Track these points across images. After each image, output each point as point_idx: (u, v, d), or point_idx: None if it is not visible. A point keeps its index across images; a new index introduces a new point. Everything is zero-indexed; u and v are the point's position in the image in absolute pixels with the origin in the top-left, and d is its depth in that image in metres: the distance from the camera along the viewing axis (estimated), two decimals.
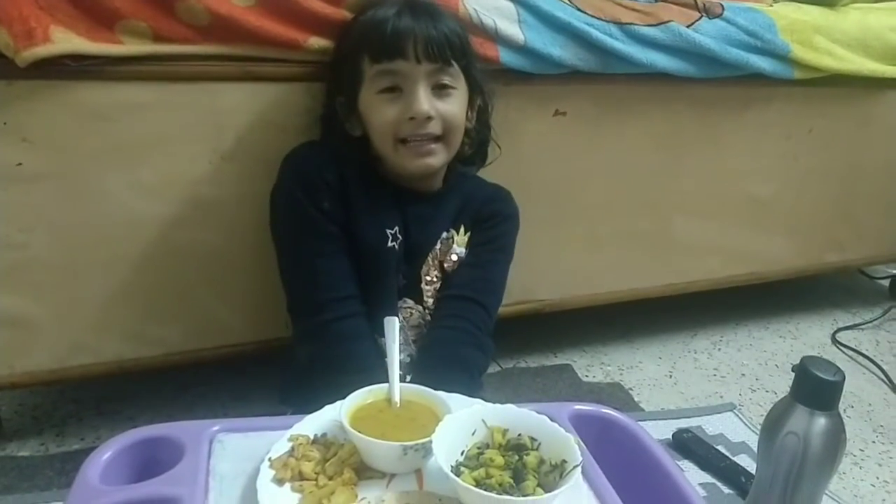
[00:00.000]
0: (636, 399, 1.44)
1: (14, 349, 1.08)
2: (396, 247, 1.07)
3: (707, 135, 1.51)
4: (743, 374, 1.58)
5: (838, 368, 0.80)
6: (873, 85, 1.62)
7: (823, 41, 1.50)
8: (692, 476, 1.19)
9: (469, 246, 1.13)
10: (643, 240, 1.54)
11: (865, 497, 1.21)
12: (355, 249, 1.05)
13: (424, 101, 1.01)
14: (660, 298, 1.61)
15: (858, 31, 1.56)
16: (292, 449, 0.72)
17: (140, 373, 1.17)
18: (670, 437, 1.28)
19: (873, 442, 1.37)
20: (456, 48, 1.02)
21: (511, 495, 0.66)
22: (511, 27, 1.19)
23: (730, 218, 1.63)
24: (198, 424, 0.77)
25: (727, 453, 1.25)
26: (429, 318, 1.11)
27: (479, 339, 1.08)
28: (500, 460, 0.70)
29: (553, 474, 0.70)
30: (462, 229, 1.13)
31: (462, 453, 0.71)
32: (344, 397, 0.76)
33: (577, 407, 0.87)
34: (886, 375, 1.61)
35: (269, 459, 0.71)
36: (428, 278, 1.11)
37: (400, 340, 0.85)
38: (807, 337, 1.79)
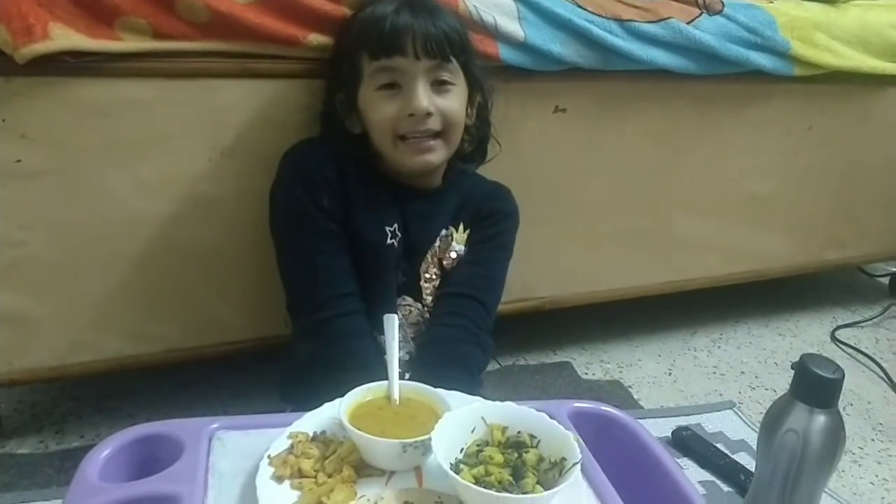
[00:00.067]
0: (635, 397, 1.44)
1: (14, 346, 1.08)
2: (396, 244, 1.07)
3: (707, 132, 1.51)
4: (742, 372, 1.58)
5: (838, 366, 0.80)
6: (873, 82, 1.61)
7: (823, 38, 1.50)
8: (691, 474, 1.19)
9: (468, 243, 1.13)
10: (643, 237, 1.54)
11: (864, 495, 1.21)
12: (355, 247, 1.05)
13: (423, 97, 1.01)
14: (659, 296, 1.61)
15: (858, 28, 1.56)
16: (292, 446, 0.72)
17: (140, 370, 1.17)
18: (670, 434, 1.28)
19: (872, 440, 1.37)
20: (455, 44, 1.02)
21: (510, 493, 0.66)
22: (511, 24, 1.19)
23: (730, 215, 1.63)
24: (197, 422, 0.77)
25: (726, 451, 1.25)
26: (428, 315, 1.11)
27: (479, 337, 1.08)
28: (499, 458, 0.70)
29: (552, 472, 0.70)
30: (461, 227, 1.13)
31: (461, 451, 0.71)
32: (343, 395, 0.76)
33: (577, 404, 0.87)
34: (886, 373, 1.61)
35: (269, 457, 0.70)
36: (427, 276, 1.11)
37: (399, 338, 0.85)
38: (806, 335, 1.79)
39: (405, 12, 1.00)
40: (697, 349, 1.67)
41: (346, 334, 1.02)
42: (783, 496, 0.82)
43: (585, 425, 0.82)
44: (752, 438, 1.27)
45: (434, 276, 1.12)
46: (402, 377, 0.81)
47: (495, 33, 1.18)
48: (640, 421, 0.87)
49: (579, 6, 1.26)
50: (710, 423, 1.35)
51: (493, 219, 1.15)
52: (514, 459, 0.70)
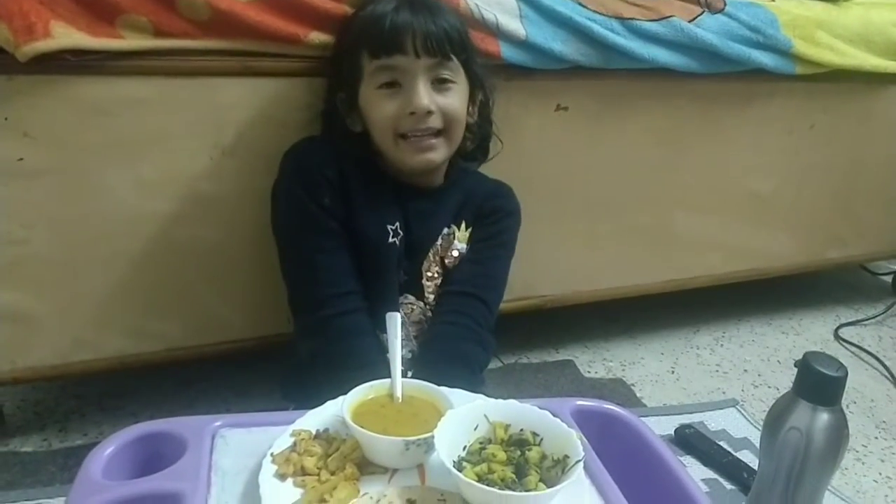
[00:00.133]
0: (638, 395, 1.44)
1: (16, 345, 1.08)
2: (397, 242, 1.07)
3: (709, 130, 1.51)
4: (745, 370, 1.58)
5: (841, 364, 0.80)
6: (875, 80, 1.61)
7: (825, 36, 1.50)
8: (694, 472, 1.19)
9: (470, 242, 1.13)
10: (645, 235, 1.54)
11: (868, 493, 1.21)
12: (356, 245, 1.05)
13: (424, 95, 1.00)
14: (662, 294, 1.61)
15: (860, 27, 1.55)
16: (294, 444, 0.72)
17: (141, 368, 1.17)
18: (672, 432, 1.28)
19: (876, 438, 1.37)
20: (455, 42, 1.02)
21: (513, 490, 0.66)
22: (512, 22, 1.19)
23: (731, 213, 1.63)
24: (200, 420, 0.77)
25: (729, 449, 1.25)
26: (430, 313, 1.11)
27: (480, 335, 1.07)
28: (502, 455, 0.70)
29: (555, 469, 0.70)
30: (463, 225, 1.13)
31: (464, 448, 0.71)
32: (346, 392, 0.76)
33: (580, 402, 0.87)
34: (889, 371, 1.61)
35: (272, 455, 0.71)
36: (429, 274, 1.11)
37: (402, 336, 0.85)
38: (809, 333, 1.79)
39: (405, 11, 1.00)
40: (700, 347, 1.67)
41: (348, 332, 1.02)
42: (786, 494, 0.82)
43: (588, 423, 0.82)
44: (756, 436, 1.27)
45: (436, 275, 1.11)
46: (404, 375, 0.81)
47: (497, 31, 1.18)
48: (642, 419, 0.87)
49: (581, 4, 1.25)
50: (713, 421, 1.35)
51: (495, 217, 1.15)
52: (517, 457, 0.70)
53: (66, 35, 0.94)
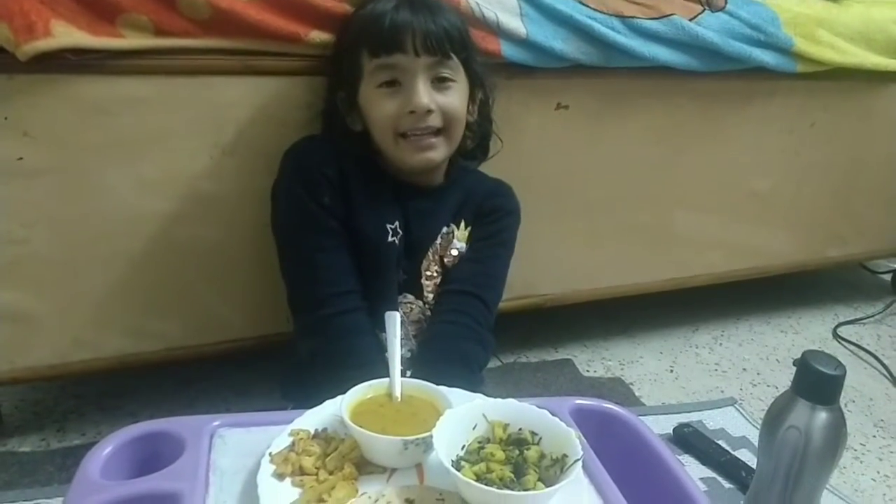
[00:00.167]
0: (637, 394, 1.44)
1: (15, 344, 1.08)
2: (397, 242, 1.07)
3: (709, 129, 1.51)
4: (744, 369, 1.58)
5: (839, 362, 0.80)
6: (876, 78, 1.61)
7: (826, 34, 1.50)
8: (693, 470, 1.19)
9: (470, 241, 1.13)
10: (644, 234, 1.54)
11: (866, 491, 1.21)
12: (356, 244, 1.05)
13: (424, 94, 1.00)
14: (661, 293, 1.61)
15: (861, 25, 1.55)
16: (293, 444, 0.72)
17: (141, 368, 1.17)
18: (671, 431, 1.28)
19: (874, 436, 1.37)
20: (455, 41, 1.02)
21: (512, 490, 0.66)
22: (513, 20, 1.19)
23: (731, 212, 1.63)
24: (198, 419, 0.77)
25: (728, 448, 1.25)
26: (429, 313, 1.11)
27: (480, 334, 1.07)
28: (500, 455, 0.70)
29: (554, 468, 0.70)
30: (463, 224, 1.13)
31: (463, 448, 0.72)
32: (345, 392, 0.76)
33: (578, 401, 0.87)
34: (888, 370, 1.61)
35: (270, 454, 0.71)
36: (428, 273, 1.11)
37: (401, 335, 0.85)
38: (808, 331, 1.79)
39: (405, 9, 0.99)
40: (699, 346, 1.67)
41: (348, 332, 1.02)
42: (785, 493, 0.82)
43: (587, 422, 0.82)
44: (754, 435, 1.27)
45: (435, 274, 1.11)
46: (403, 374, 0.81)
47: (497, 30, 1.18)
48: (641, 418, 0.87)
49: (581, 3, 1.25)
50: (712, 420, 1.35)
51: (495, 216, 1.15)
52: (516, 456, 0.70)
53: (66, 34, 0.94)
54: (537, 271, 1.42)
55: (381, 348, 1.00)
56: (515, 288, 1.30)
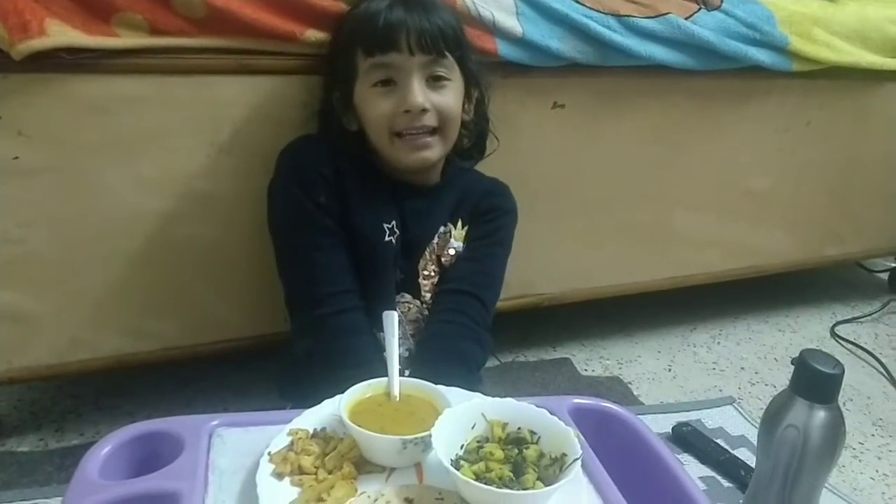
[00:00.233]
0: (635, 393, 1.44)
1: (12, 344, 1.07)
2: (394, 241, 1.07)
3: (705, 127, 1.51)
4: (742, 368, 1.58)
5: (838, 361, 0.80)
6: (872, 77, 1.61)
7: (822, 33, 1.50)
8: (692, 469, 1.19)
9: (467, 240, 1.13)
10: (642, 233, 1.54)
11: (865, 490, 1.21)
12: (352, 244, 1.05)
13: (419, 93, 1.00)
14: (659, 292, 1.61)
15: (857, 23, 1.55)
16: (292, 443, 0.72)
17: (138, 368, 1.17)
18: (670, 430, 1.28)
19: (872, 435, 1.37)
20: (450, 39, 1.02)
21: (511, 489, 0.66)
22: (509, 19, 1.19)
23: (728, 211, 1.63)
24: (197, 419, 0.77)
25: (726, 447, 1.25)
26: (427, 312, 1.11)
27: (477, 334, 1.07)
28: (499, 454, 0.70)
29: (553, 468, 0.70)
30: (460, 223, 1.13)
31: (462, 447, 0.71)
32: (343, 391, 0.76)
33: (577, 401, 0.87)
34: (885, 368, 1.61)
35: (269, 454, 0.70)
36: (426, 272, 1.11)
37: (399, 335, 0.85)
38: (806, 330, 1.79)
39: (399, 8, 0.99)
40: (697, 345, 1.67)
41: (345, 331, 1.02)
42: (783, 491, 0.82)
43: (585, 421, 0.82)
44: (753, 434, 1.27)
45: (433, 273, 1.11)
46: (401, 374, 0.81)
47: (493, 29, 1.18)
48: (640, 417, 0.87)
49: (577, 2, 1.25)
50: (711, 419, 1.35)
51: (492, 215, 1.15)
52: (515, 455, 0.70)
53: (61, 33, 0.94)
54: (535, 270, 1.42)
55: (379, 347, 1.00)
56: (513, 287, 1.30)
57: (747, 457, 1.22)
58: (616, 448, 0.81)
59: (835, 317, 1.86)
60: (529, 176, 1.31)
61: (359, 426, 0.70)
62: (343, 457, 0.71)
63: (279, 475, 0.68)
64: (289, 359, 1.11)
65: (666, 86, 1.41)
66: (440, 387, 0.79)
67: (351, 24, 1.03)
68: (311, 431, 0.75)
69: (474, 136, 1.16)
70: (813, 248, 1.81)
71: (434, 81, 1.03)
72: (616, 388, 1.44)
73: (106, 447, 0.72)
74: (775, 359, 1.64)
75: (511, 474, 0.68)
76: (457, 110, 1.06)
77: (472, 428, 0.73)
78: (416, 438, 0.70)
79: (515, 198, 1.18)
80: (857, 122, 1.69)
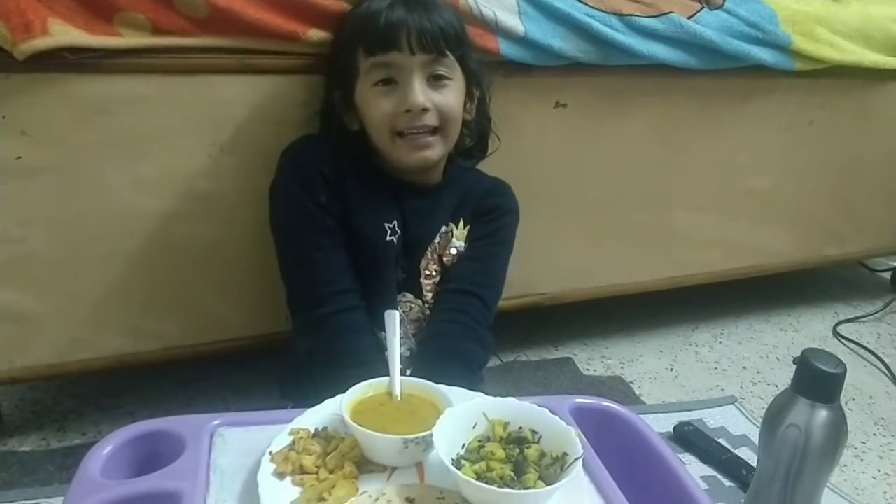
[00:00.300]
0: (637, 392, 1.44)
1: (13, 344, 1.07)
2: (395, 241, 1.07)
3: (708, 127, 1.51)
4: (744, 367, 1.58)
5: (840, 361, 0.80)
6: (874, 76, 1.61)
7: (825, 32, 1.50)
8: (693, 469, 1.19)
9: (469, 240, 1.13)
10: (644, 233, 1.54)
11: (866, 490, 1.21)
12: (354, 243, 1.05)
13: (420, 92, 1.00)
14: (660, 292, 1.61)
15: (860, 22, 1.55)
16: (293, 443, 0.72)
17: (139, 368, 1.17)
18: (671, 430, 1.28)
19: (874, 434, 1.37)
20: (450, 38, 1.02)
21: (512, 488, 0.66)
22: (511, 18, 1.18)
23: (730, 211, 1.63)
24: (198, 418, 0.77)
25: (728, 446, 1.25)
26: (428, 312, 1.11)
27: (479, 333, 1.07)
28: (501, 453, 0.70)
29: (554, 467, 0.70)
30: (461, 223, 1.13)
31: (463, 446, 0.71)
32: (344, 391, 0.76)
33: (578, 400, 0.87)
34: (888, 368, 1.61)
35: (270, 453, 0.70)
36: (427, 272, 1.11)
37: (400, 334, 0.85)
38: (808, 330, 1.79)
39: (400, 7, 0.99)
40: (699, 344, 1.67)
41: (346, 331, 1.02)
42: (785, 491, 0.82)
43: (587, 421, 0.82)
44: (754, 433, 1.27)
45: (434, 273, 1.11)
46: (402, 373, 0.81)
47: (495, 28, 1.18)
48: (641, 416, 0.87)
49: (580, 1, 1.25)
50: (712, 419, 1.35)
51: (494, 215, 1.15)
52: (516, 455, 0.70)
53: (63, 33, 0.94)
54: (536, 270, 1.42)
55: (380, 347, 1.00)
56: (514, 287, 1.30)
57: (749, 456, 1.22)
58: (618, 447, 0.81)
59: (837, 316, 1.85)
60: (531, 175, 1.31)
61: (360, 425, 0.70)
62: (344, 456, 0.71)
63: (280, 475, 0.68)
64: (290, 358, 1.11)
65: (668, 85, 1.41)
66: (441, 386, 0.79)
67: (352, 24, 1.03)
68: (312, 431, 0.75)
69: (476, 135, 1.16)
70: (815, 248, 1.80)
71: (435, 81, 1.03)
72: (618, 388, 1.44)
73: (107, 447, 0.72)
74: (777, 358, 1.63)
75: (512, 474, 0.68)
76: (458, 110, 1.06)
77: (474, 427, 0.73)
78: (417, 438, 0.70)
79: (517, 197, 1.18)
80: (859, 122, 1.69)
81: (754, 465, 0.95)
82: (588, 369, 1.52)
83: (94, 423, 1.22)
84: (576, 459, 0.68)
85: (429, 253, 1.11)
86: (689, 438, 1.25)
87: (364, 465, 0.71)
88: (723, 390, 1.48)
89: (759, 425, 0.86)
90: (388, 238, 1.06)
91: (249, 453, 0.72)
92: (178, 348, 1.18)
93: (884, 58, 1.58)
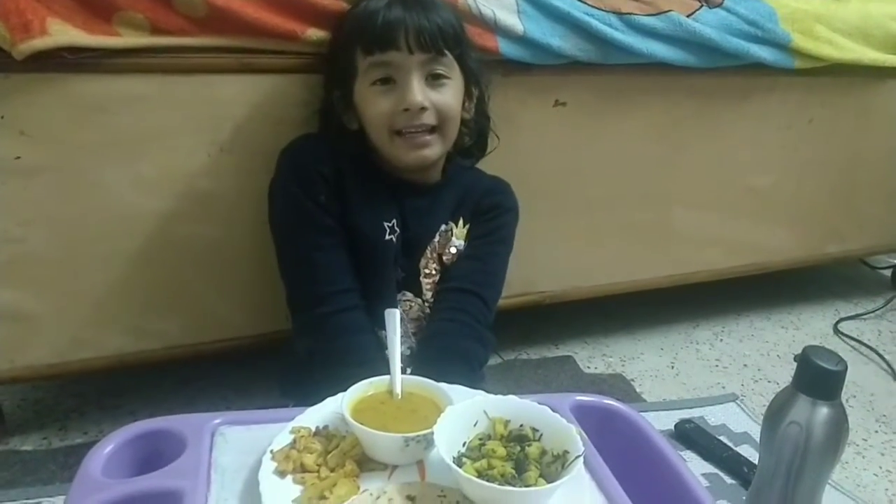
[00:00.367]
0: (638, 390, 1.44)
1: (14, 344, 1.07)
2: (394, 240, 1.07)
3: (707, 125, 1.51)
4: (745, 365, 1.58)
5: (840, 358, 0.80)
6: (874, 74, 1.61)
7: (824, 30, 1.50)
8: (694, 466, 1.19)
9: (468, 238, 1.13)
10: (644, 231, 1.54)
11: (868, 487, 1.21)
12: (353, 243, 1.05)
13: (418, 91, 1.00)
14: (661, 290, 1.61)
15: (859, 20, 1.55)
16: (294, 441, 0.72)
17: (140, 367, 1.17)
18: (672, 427, 1.28)
19: (876, 431, 1.37)
20: (449, 37, 1.02)
21: (513, 486, 0.66)
22: (510, 17, 1.18)
23: (730, 209, 1.63)
24: (199, 417, 0.77)
25: (729, 444, 1.25)
26: (428, 310, 1.11)
27: (479, 332, 1.07)
28: (502, 451, 0.70)
29: (555, 465, 0.70)
30: (461, 221, 1.13)
31: (464, 444, 0.71)
32: (345, 389, 0.76)
33: (579, 398, 0.87)
34: (889, 365, 1.61)
35: (271, 452, 0.70)
36: (427, 271, 1.11)
37: (400, 333, 0.85)
38: (809, 327, 1.78)
39: (398, 6, 0.99)
40: (699, 342, 1.67)
41: (346, 330, 1.02)
42: (786, 488, 0.82)
43: (588, 418, 0.82)
44: (756, 431, 1.27)
45: (434, 272, 1.11)
46: (403, 372, 0.81)
47: (494, 27, 1.18)
48: (642, 414, 0.87)
49: None
50: (713, 416, 1.35)
51: (493, 213, 1.15)
52: (517, 453, 0.70)
53: (62, 32, 0.94)
54: (536, 269, 1.42)
55: (381, 346, 1.00)
56: (515, 285, 1.30)
57: (750, 454, 1.22)
58: (619, 445, 0.81)
59: (838, 314, 1.85)
60: (530, 174, 1.31)
61: (361, 424, 0.70)
62: (345, 454, 0.71)
63: (281, 473, 0.68)
64: (290, 357, 1.11)
65: (668, 83, 1.41)
66: (442, 384, 0.79)
67: (350, 23, 1.03)
68: (313, 429, 0.75)
69: (475, 134, 1.16)
70: (815, 245, 1.80)
71: (433, 80, 1.03)
72: (619, 386, 1.44)
73: (109, 446, 0.72)
74: (778, 356, 1.63)
75: (513, 471, 0.68)
76: (456, 109, 1.06)
77: (475, 425, 0.73)
78: (418, 436, 0.70)
79: (517, 196, 1.18)
80: (859, 120, 1.69)
81: (756, 462, 0.95)
82: (589, 367, 1.52)
83: (95, 422, 1.22)
84: (577, 457, 0.68)
85: (428, 252, 1.11)
86: (691, 436, 1.25)
87: (365, 464, 0.71)
88: (724, 388, 1.48)
89: (760, 423, 0.86)
90: (387, 237, 1.06)
91: (250, 452, 0.72)
92: (178, 347, 1.18)
93: (883, 55, 1.58)
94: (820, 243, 1.81)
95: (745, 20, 1.40)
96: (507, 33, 1.19)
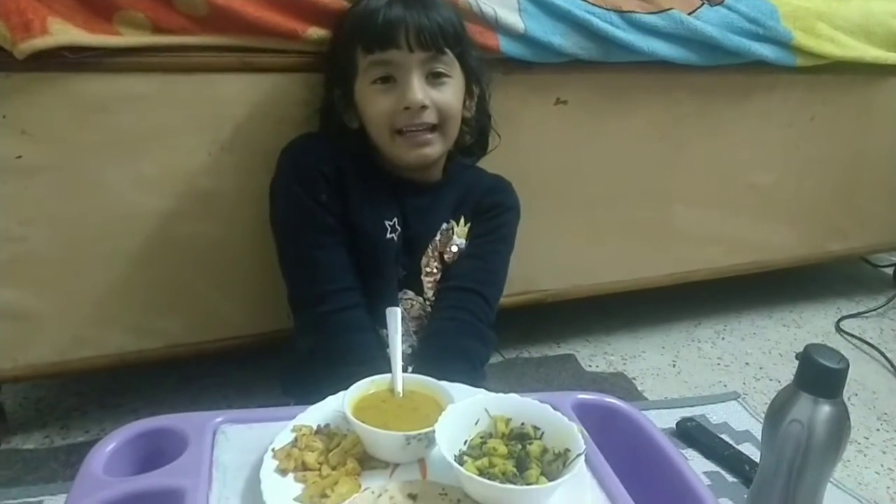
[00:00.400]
0: (639, 388, 1.44)
1: (16, 342, 1.07)
2: (395, 238, 1.07)
3: (709, 123, 1.50)
4: (746, 363, 1.58)
5: (842, 356, 0.80)
6: (876, 72, 1.61)
7: (826, 28, 1.49)
8: (696, 465, 1.19)
9: (469, 237, 1.13)
10: (645, 229, 1.54)
11: (870, 485, 1.21)
12: (354, 241, 1.05)
13: (418, 90, 1.00)
14: (662, 288, 1.61)
15: (861, 18, 1.55)
16: (295, 439, 0.72)
17: (142, 365, 1.17)
18: (674, 425, 1.28)
19: (877, 430, 1.37)
20: (449, 36, 1.02)
21: (514, 484, 0.66)
22: (511, 16, 1.18)
23: (732, 207, 1.63)
24: (201, 416, 0.77)
25: (731, 442, 1.25)
26: (429, 309, 1.11)
27: (480, 330, 1.07)
28: (503, 449, 0.70)
29: (556, 463, 0.70)
30: (462, 220, 1.13)
31: (465, 443, 0.71)
32: (346, 388, 0.76)
33: (581, 396, 0.87)
34: (891, 363, 1.61)
35: (273, 450, 0.71)
36: (428, 269, 1.11)
37: (402, 331, 0.85)
38: (810, 325, 1.78)
39: (398, 5, 0.99)
40: (701, 340, 1.67)
41: (347, 328, 1.02)
42: (788, 486, 0.82)
43: (589, 417, 0.82)
44: (757, 429, 1.26)
45: (435, 270, 1.11)
46: (404, 370, 0.81)
47: (495, 25, 1.17)
48: (644, 412, 0.87)
49: None
50: (715, 414, 1.35)
51: (495, 212, 1.15)
52: (518, 451, 0.70)
53: (63, 32, 0.94)
54: (537, 267, 1.42)
55: (382, 345, 1.00)
56: (516, 284, 1.30)
57: (752, 452, 1.21)
58: (620, 443, 0.81)
59: (839, 312, 1.85)
60: (531, 172, 1.31)
61: (362, 422, 0.70)
62: (346, 453, 0.71)
63: (283, 471, 0.68)
64: (292, 356, 1.11)
65: (669, 82, 1.41)
66: (443, 383, 0.79)
67: (351, 22, 1.03)
68: (314, 428, 0.75)
69: (476, 132, 1.16)
70: (817, 244, 1.80)
71: (434, 78, 1.03)
72: (620, 384, 1.44)
73: (110, 444, 0.72)
74: (780, 354, 1.63)
75: (514, 470, 0.68)
76: (457, 107, 1.06)
77: (476, 424, 0.73)
78: (419, 434, 0.70)
79: (518, 194, 1.18)
80: (861, 117, 1.68)
81: (757, 460, 0.95)
82: (590, 365, 1.52)
83: (97, 420, 1.22)
84: (578, 455, 0.68)
85: (429, 250, 1.11)
86: (692, 434, 1.25)
87: (366, 462, 0.71)
88: (725, 386, 1.48)
89: (761, 421, 0.86)
90: (388, 235, 1.06)
91: (252, 450, 0.72)
92: (180, 346, 1.18)
93: (885, 53, 1.58)
94: (822, 241, 1.80)
95: (746, 18, 1.39)
96: (507, 31, 1.19)
